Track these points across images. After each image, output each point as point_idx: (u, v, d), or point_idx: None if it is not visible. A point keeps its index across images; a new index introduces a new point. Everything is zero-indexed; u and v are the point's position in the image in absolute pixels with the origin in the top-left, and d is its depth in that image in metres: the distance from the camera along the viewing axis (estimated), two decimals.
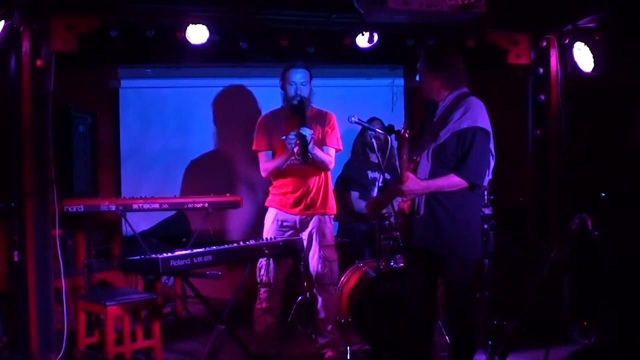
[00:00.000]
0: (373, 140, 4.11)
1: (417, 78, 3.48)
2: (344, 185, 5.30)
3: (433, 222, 3.30)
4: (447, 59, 3.39)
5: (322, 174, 4.25)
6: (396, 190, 3.41)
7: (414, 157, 3.38)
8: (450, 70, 3.37)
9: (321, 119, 4.25)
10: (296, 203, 4.22)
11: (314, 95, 4.28)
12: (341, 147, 4.34)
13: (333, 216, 4.36)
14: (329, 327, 4.29)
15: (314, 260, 4.26)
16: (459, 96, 3.35)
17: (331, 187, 4.37)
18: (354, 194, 5.20)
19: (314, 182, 4.22)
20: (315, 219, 4.23)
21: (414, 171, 3.37)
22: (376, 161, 4.86)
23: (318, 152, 4.14)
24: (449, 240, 3.28)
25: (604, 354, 2.95)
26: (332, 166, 4.26)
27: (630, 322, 4.11)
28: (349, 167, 5.35)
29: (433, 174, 3.30)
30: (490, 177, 3.39)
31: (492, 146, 3.35)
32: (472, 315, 3.45)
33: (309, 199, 4.21)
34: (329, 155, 4.23)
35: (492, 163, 3.37)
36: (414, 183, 3.30)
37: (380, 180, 4.73)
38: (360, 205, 5.12)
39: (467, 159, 3.23)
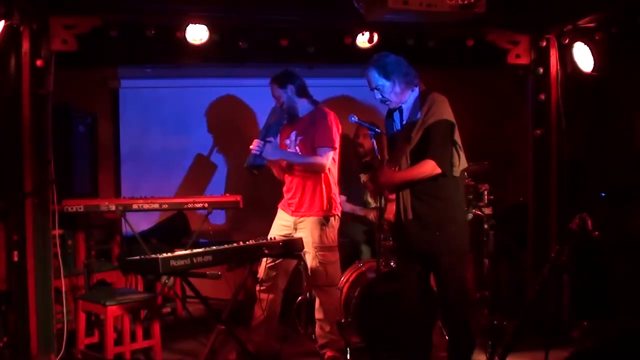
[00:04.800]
0: (373, 140, 4.10)
1: (378, 96, 3.45)
2: None
3: (421, 223, 3.36)
4: (394, 62, 3.41)
5: (314, 177, 4.14)
6: (376, 185, 3.47)
7: (393, 168, 3.41)
8: (403, 71, 3.40)
9: (310, 121, 4.18)
10: (288, 203, 4.25)
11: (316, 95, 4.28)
12: (335, 145, 4.11)
13: (333, 218, 4.19)
14: (328, 328, 4.23)
15: (309, 261, 4.24)
16: (420, 95, 3.42)
17: (326, 188, 4.14)
18: (342, 197, 4.81)
19: (303, 184, 4.17)
20: (307, 221, 4.18)
21: None
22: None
23: (286, 156, 4.16)
24: (439, 237, 3.34)
25: (604, 354, 2.94)
26: (321, 165, 4.08)
27: (630, 322, 4.11)
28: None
29: None
30: (465, 165, 3.43)
31: (457, 138, 3.39)
32: (467, 312, 3.47)
33: (297, 200, 4.19)
34: (315, 157, 4.08)
35: (462, 154, 3.40)
36: (389, 175, 3.37)
37: None
38: (345, 207, 4.85)
39: (431, 145, 3.29)
